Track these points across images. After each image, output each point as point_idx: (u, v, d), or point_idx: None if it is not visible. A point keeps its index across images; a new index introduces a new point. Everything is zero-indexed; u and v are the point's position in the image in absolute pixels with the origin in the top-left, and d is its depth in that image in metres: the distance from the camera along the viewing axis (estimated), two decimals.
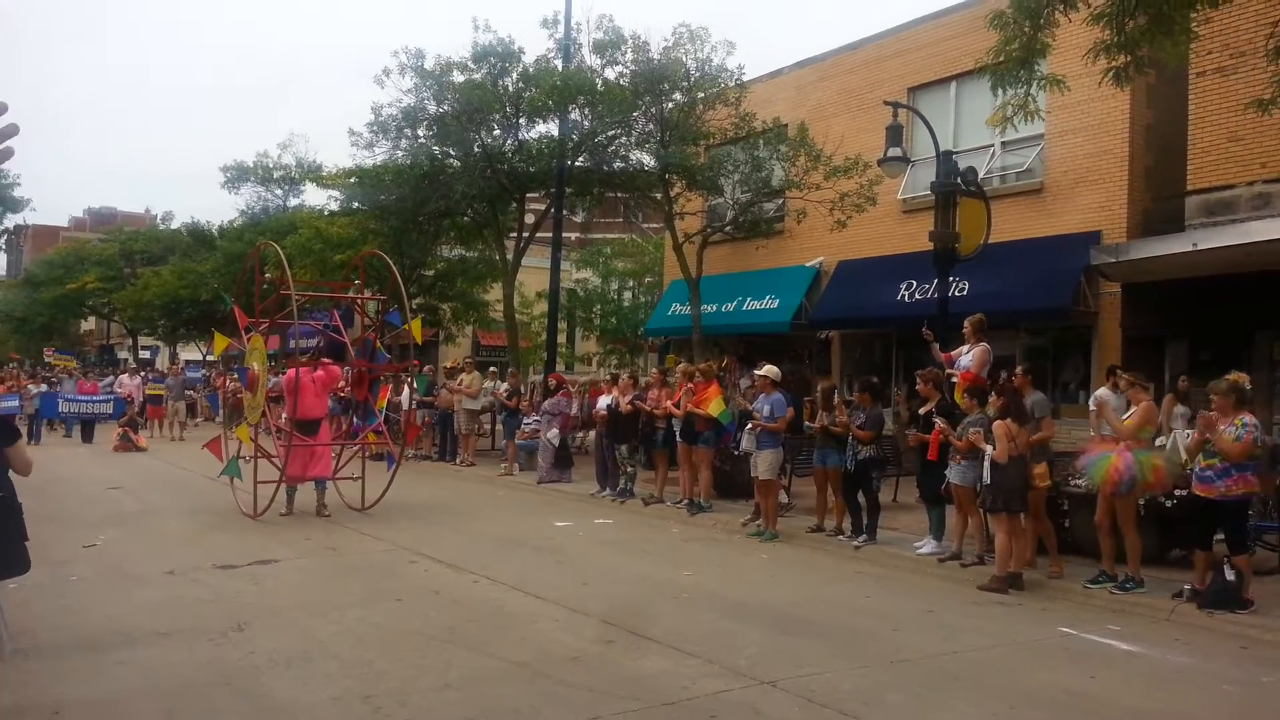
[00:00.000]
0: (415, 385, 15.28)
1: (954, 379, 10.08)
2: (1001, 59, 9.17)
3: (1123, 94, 12.47)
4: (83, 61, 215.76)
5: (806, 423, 10.88)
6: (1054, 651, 6.53)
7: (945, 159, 11.94)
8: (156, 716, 4.97)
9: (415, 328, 12.94)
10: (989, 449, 8.22)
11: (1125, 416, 8.33)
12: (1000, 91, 9.48)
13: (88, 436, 22.91)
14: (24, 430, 14.06)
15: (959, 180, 11.71)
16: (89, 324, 55.38)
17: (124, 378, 26.73)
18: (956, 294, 13.45)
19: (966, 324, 10.41)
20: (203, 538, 10.25)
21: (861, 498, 10.18)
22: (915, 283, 15.56)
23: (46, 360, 37.78)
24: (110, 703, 5.15)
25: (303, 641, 6.32)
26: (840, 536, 10.30)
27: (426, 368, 20.63)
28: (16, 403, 19.71)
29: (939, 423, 9.02)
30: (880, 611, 7.49)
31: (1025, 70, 9.17)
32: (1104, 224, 14.09)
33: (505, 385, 17.12)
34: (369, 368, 13.20)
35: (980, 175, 12.94)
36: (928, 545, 9.49)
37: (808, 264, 18.07)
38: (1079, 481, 8.79)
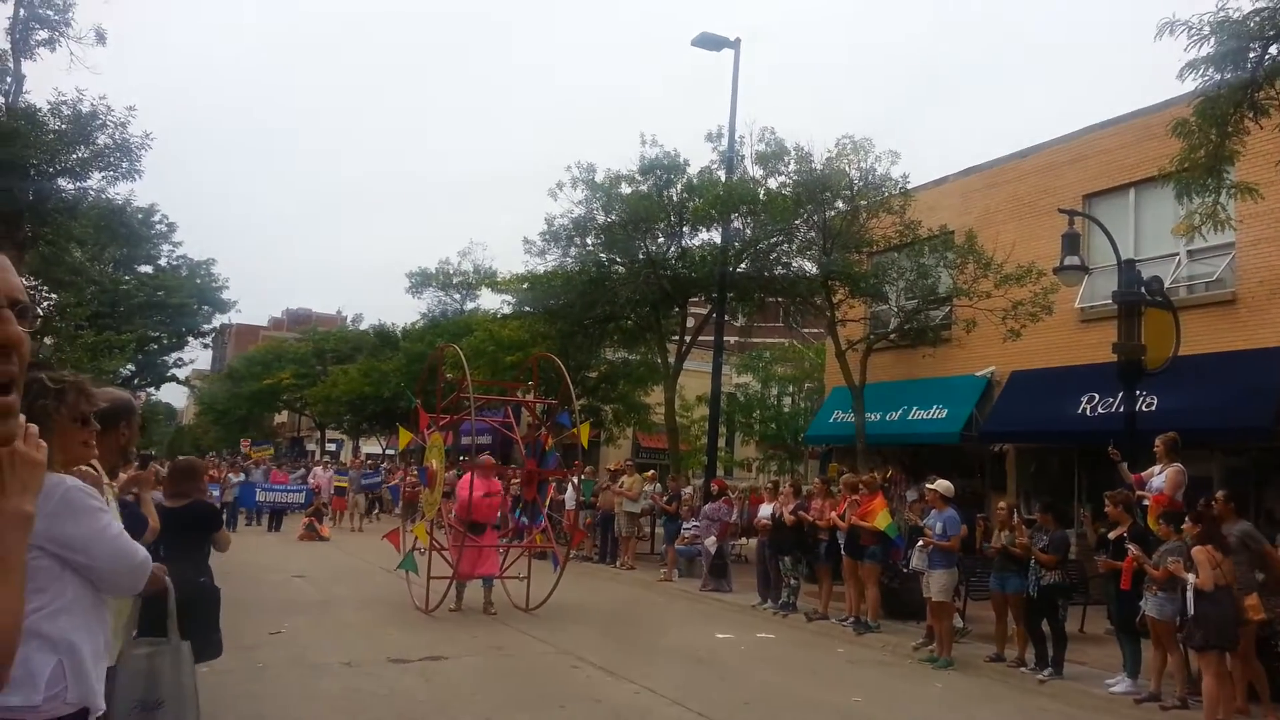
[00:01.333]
0: (581, 488, 15.56)
1: (1145, 502, 9.44)
2: (1186, 166, 8.80)
3: None
4: (283, 170, 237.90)
5: (985, 543, 10.34)
6: None
7: (1128, 267, 11.42)
8: None
9: (584, 432, 13.25)
10: (1191, 578, 7.58)
11: None
12: (1186, 200, 9.07)
13: (276, 525, 24.38)
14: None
15: (1143, 289, 11.15)
16: (282, 417, 59.43)
17: (317, 470, 28.40)
18: (1144, 409, 12.66)
19: (1158, 443, 9.77)
20: (378, 630, 10.64)
21: (1046, 627, 9.49)
22: (1097, 396, 14.74)
23: (242, 451, 40.81)
24: None
25: None
26: (1023, 668, 9.60)
27: (588, 469, 20.99)
28: (218, 492, 21.25)
29: (1132, 549, 8.40)
30: None
31: (1213, 178, 8.78)
32: None
33: (667, 490, 17.16)
34: (539, 471, 13.56)
35: (1166, 284, 12.28)
36: (1122, 683, 8.72)
37: (978, 373, 17.46)
38: None
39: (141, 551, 2.84)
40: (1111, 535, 9.04)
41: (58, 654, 2.57)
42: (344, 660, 8.86)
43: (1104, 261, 13.99)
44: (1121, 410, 11.49)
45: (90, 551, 2.62)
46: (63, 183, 17.88)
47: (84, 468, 3.18)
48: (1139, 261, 13.22)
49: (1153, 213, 15.14)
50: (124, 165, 17.99)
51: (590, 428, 25.19)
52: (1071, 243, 12.14)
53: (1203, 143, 8.57)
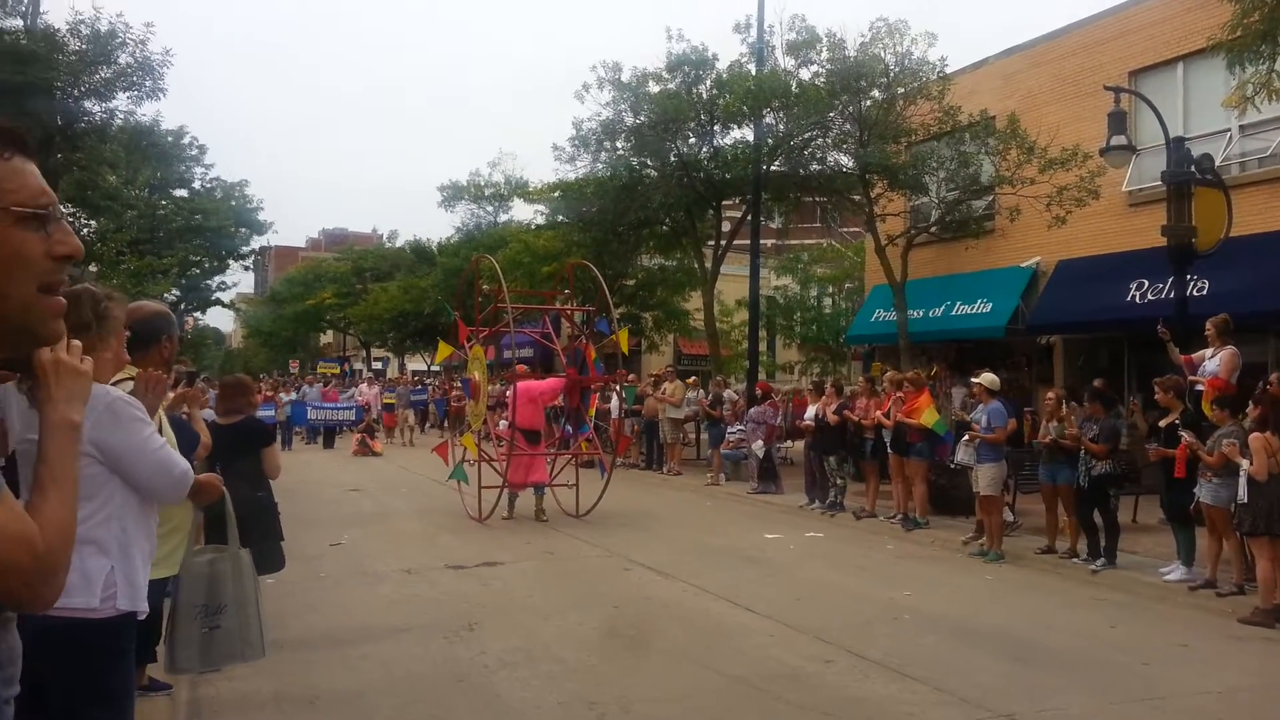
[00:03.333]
0: (624, 395, 15.63)
1: (1199, 387, 9.25)
2: (1239, 33, 8.32)
3: None
4: (314, 90, 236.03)
5: (1034, 440, 10.24)
6: None
7: (1177, 146, 10.96)
8: (397, 711, 5.30)
9: (623, 338, 13.24)
10: (1245, 464, 7.46)
11: None
12: (1238, 69, 8.61)
13: (329, 442, 24.93)
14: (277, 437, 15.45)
15: (1193, 169, 10.73)
16: (327, 337, 60.22)
17: (363, 387, 28.87)
18: (1195, 293, 12.27)
19: (1209, 325, 9.53)
20: (434, 538, 10.93)
21: (1098, 517, 9.45)
22: (1146, 282, 14.37)
23: (292, 371, 41.45)
24: (357, 694, 5.54)
25: (527, 642, 6.58)
26: (1075, 559, 9.61)
27: (631, 377, 21.06)
28: (273, 411, 21.71)
29: (1185, 436, 8.27)
30: (1126, 643, 6.93)
31: (1267, 44, 8.29)
32: None
33: (710, 394, 17.19)
34: (581, 378, 13.63)
35: (1217, 162, 11.80)
36: (1176, 571, 8.69)
37: (1023, 264, 17.07)
38: None
39: (182, 464, 2.89)
40: (1163, 423, 8.90)
41: (110, 559, 2.66)
42: (403, 568, 9.12)
43: (1152, 141, 13.48)
44: (1172, 295, 11.22)
45: (133, 460, 2.70)
46: (89, 105, 17.83)
47: (130, 378, 3.23)
48: (1189, 139, 12.71)
49: (1203, 87, 14.46)
50: (147, 84, 17.86)
51: (630, 335, 25.30)
52: (1118, 122, 11.68)
53: (1256, 6, 8.08)
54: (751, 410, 15.53)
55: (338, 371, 39.99)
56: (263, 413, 19.34)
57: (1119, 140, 11.62)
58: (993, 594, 8.60)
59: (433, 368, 40.39)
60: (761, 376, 21.59)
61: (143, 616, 2.81)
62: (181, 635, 3.87)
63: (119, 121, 19.82)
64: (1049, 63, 17.22)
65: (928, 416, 11.34)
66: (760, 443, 15.05)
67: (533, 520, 12.16)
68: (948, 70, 16.99)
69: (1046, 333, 16.62)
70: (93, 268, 19.57)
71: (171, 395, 4.57)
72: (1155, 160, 13.06)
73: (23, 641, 2.45)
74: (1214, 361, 9.31)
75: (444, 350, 14.80)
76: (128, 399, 2.79)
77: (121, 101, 18.62)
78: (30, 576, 1.42)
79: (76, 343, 1.70)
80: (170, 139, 30.47)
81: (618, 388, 15.80)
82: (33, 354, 1.59)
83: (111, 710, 2.71)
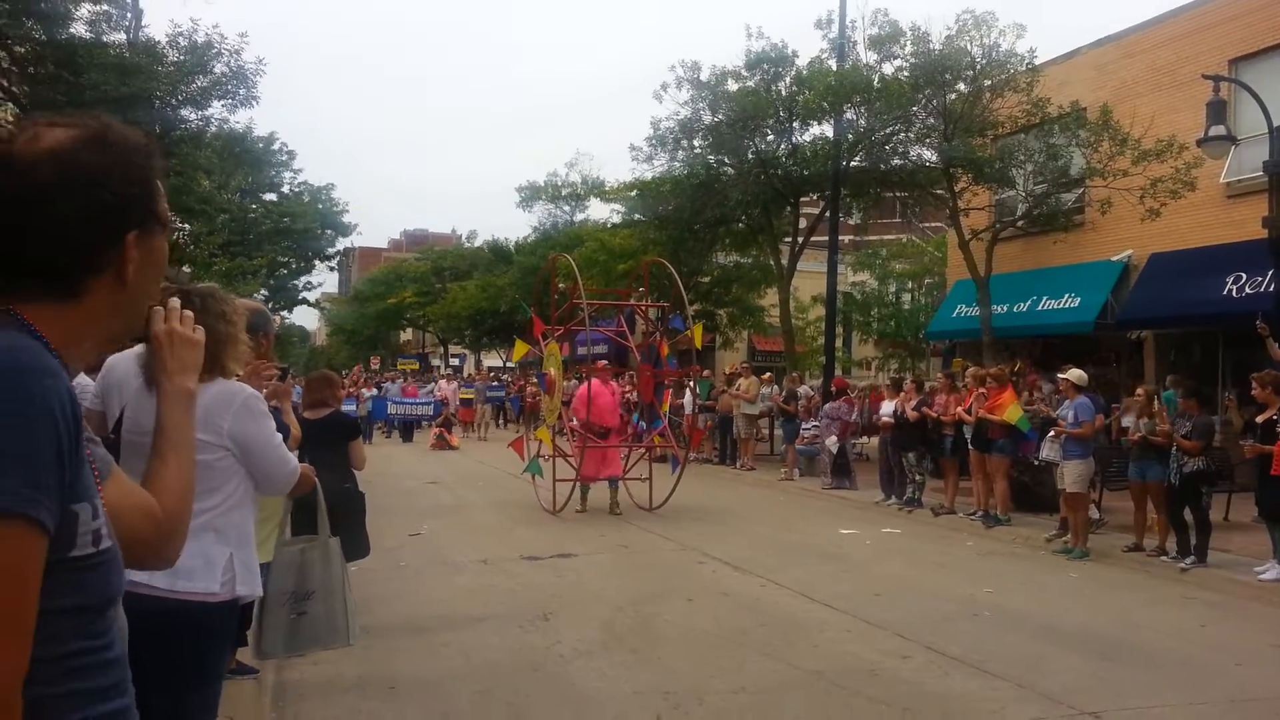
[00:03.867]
0: (698, 390, 15.64)
1: None
2: None
3: None
4: (399, 94, 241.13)
5: (1122, 437, 9.95)
6: None
7: (1279, 135, 10.51)
8: (476, 698, 5.38)
9: (697, 333, 13.25)
10: None
11: None
12: None
13: (408, 436, 25.49)
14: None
15: None
16: (407, 335, 61.48)
17: (441, 383, 29.47)
18: None
19: None
20: (510, 530, 11.09)
21: (1189, 515, 9.12)
22: (1244, 275, 13.82)
23: (372, 367, 42.39)
24: (436, 682, 5.64)
25: (602, 633, 6.63)
26: (1163, 557, 9.31)
27: (705, 372, 21.03)
28: (355, 406, 22.30)
29: None
30: (1217, 642, 6.69)
31: None
32: None
33: (784, 391, 17.08)
34: (655, 373, 13.68)
35: None
36: (1272, 570, 8.34)
37: (1114, 258, 16.55)
38: None
39: (294, 459, 3.09)
40: (1260, 419, 8.55)
41: (229, 547, 2.82)
42: (479, 558, 9.28)
43: (1252, 131, 12.94)
44: (1272, 289, 10.76)
45: (262, 453, 2.89)
46: (185, 113, 18.52)
47: (263, 373, 3.43)
48: None
49: None
50: (241, 92, 18.48)
51: (705, 332, 25.25)
52: (1217, 111, 11.28)
53: None
54: (826, 406, 15.38)
55: (416, 367, 40.80)
56: (345, 407, 19.99)
57: (1218, 130, 11.22)
58: (1077, 592, 8.36)
59: (509, 364, 40.95)
60: (838, 373, 21.35)
61: (249, 601, 2.97)
62: (270, 620, 3.99)
63: (213, 129, 20.55)
64: (1144, 52, 16.69)
65: (1011, 413, 11.08)
66: (835, 438, 14.88)
67: (607, 514, 12.25)
68: (1037, 62, 16.59)
69: (1137, 328, 16.11)
70: (187, 269, 20.32)
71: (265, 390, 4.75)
72: (1256, 150, 12.61)
73: (139, 619, 2.60)
74: None
75: (520, 348, 15.01)
76: (258, 395, 2.96)
77: (216, 109, 19.32)
78: (153, 542, 1.53)
79: (189, 313, 1.80)
80: (261, 145, 31.48)
81: (691, 383, 15.81)
82: (149, 326, 1.70)
83: (207, 691, 2.85)
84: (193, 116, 18.94)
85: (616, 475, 12.52)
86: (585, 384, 12.61)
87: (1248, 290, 13.67)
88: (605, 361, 14.85)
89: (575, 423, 12.66)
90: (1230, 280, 14.07)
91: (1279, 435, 8.02)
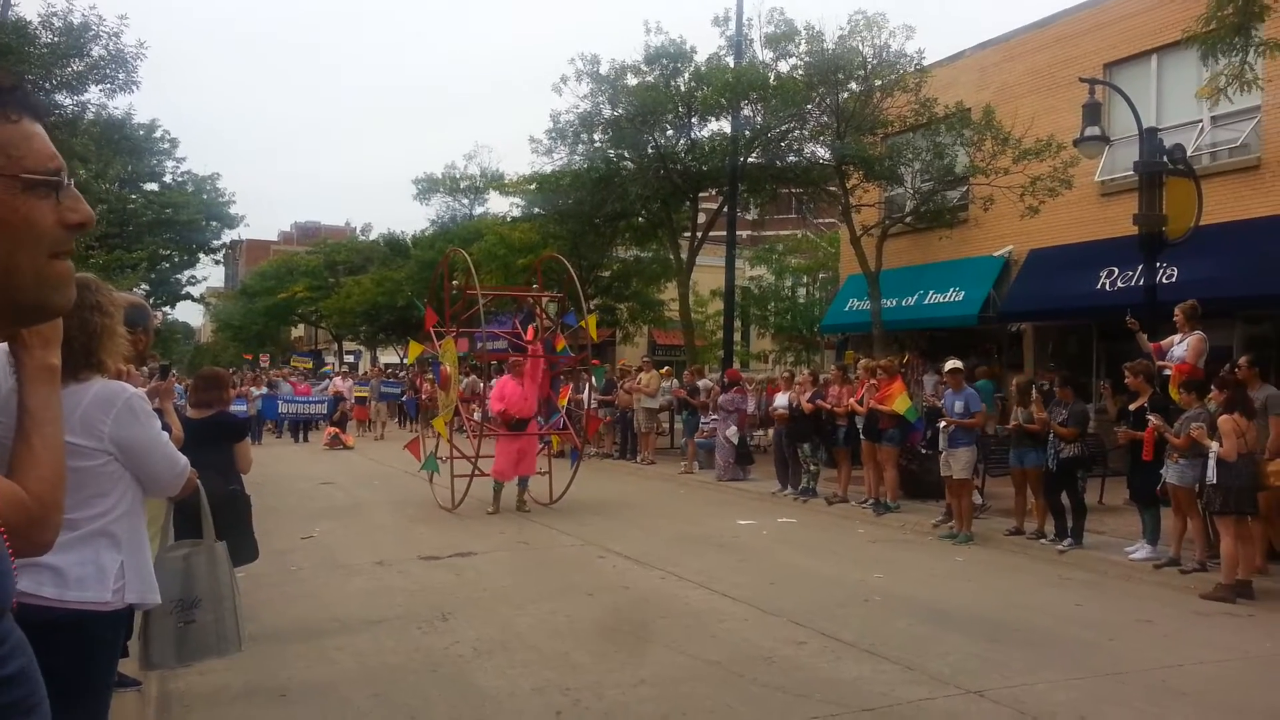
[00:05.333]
0: (595, 381, 15.64)
1: (1166, 372, 9.38)
2: (1213, 25, 8.46)
3: None
4: (287, 82, 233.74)
5: (999, 425, 10.39)
6: None
7: (1150, 136, 11.10)
8: (372, 701, 5.25)
9: (591, 324, 13.26)
10: (1214, 446, 7.58)
11: None
12: (1212, 61, 8.75)
13: (303, 436, 24.75)
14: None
15: (1165, 158, 10.87)
16: (298, 330, 59.74)
17: (336, 380, 28.74)
18: (1164, 281, 12.46)
19: (1178, 311, 9.67)
20: (407, 530, 10.88)
21: (1065, 499, 9.60)
22: (1117, 270, 14.56)
23: (261, 365, 41.02)
24: (330, 686, 5.49)
25: (502, 632, 6.57)
26: (1042, 540, 9.75)
27: (598, 362, 21.05)
28: (245, 406, 21.52)
29: (1153, 419, 8.39)
30: (1092, 620, 7.04)
31: (1240, 36, 8.44)
32: None
33: (685, 383, 17.22)
34: (551, 359, 13.60)
35: (1188, 153, 11.96)
36: (1141, 550, 8.84)
37: (995, 254, 17.23)
38: None
39: (183, 458, 2.97)
40: (1132, 406, 9.03)
41: (122, 554, 2.68)
42: (375, 560, 9.08)
43: (1125, 132, 13.64)
44: (1142, 283, 11.35)
45: (148, 455, 2.77)
46: (60, 98, 17.54)
47: (131, 371, 3.24)
48: (1162, 130, 12.85)
49: (1176, 78, 14.70)
50: (120, 77, 17.61)
51: (605, 327, 25.24)
52: (1092, 113, 11.81)
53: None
54: (721, 398, 15.56)
55: (309, 366, 39.71)
56: (235, 407, 19.28)
57: (1093, 131, 11.75)
58: (963, 575, 8.69)
59: (405, 361, 40.22)
60: (736, 366, 21.66)
61: (145, 609, 2.83)
62: (156, 630, 3.81)
63: (90, 115, 19.54)
64: (1024, 55, 17.38)
65: (900, 403, 11.43)
66: (734, 429, 15.08)
67: (512, 511, 12.11)
68: (925, 63, 17.11)
69: (1018, 320, 16.80)
70: None
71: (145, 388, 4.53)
72: (1128, 150, 13.22)
73: (26, 630, 2.44)
74: (1182, 346, 9.44)
75: (415, 349, 14.82)
76: (142, 395, 2.81)
77: (94, 95, 18.38)
78: (24, 530, 1.44)
79: None
80: (142, 132, 30.09)
81: (588, 375, 15.79)
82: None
83: (97, 703, 2.71)
84: (68, 102, 17.96)
85: (531, 473, 12.30)
86: (502, 378, 12.44)
87: (1119, 284, 14.40)
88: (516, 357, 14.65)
89: (489, 415, 12.48)
90: (1104, 274, 14.79)
91: (1149, 422, 8.48)
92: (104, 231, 27.43)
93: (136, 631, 3.81)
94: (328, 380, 29.37)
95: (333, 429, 22.80)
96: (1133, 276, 13.69)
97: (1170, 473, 8.26)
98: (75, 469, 2.65)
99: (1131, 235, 11.22)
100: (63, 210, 1.31)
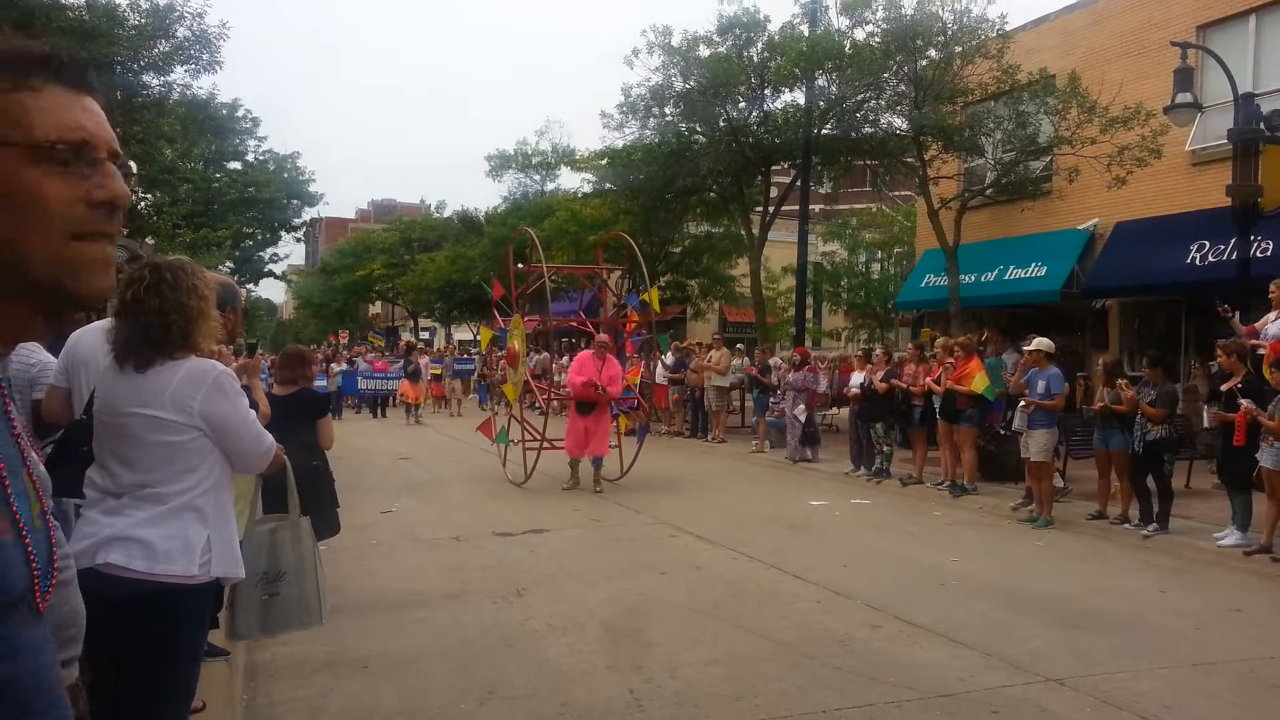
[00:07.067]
0: (661, 350, 15.69)
1: (1261, 352, 9.00)
2: None
3: None
4: (365, 62, 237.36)
5: (1084, 405, 10.09)
6: None
7: (1246, 102, 10.62)
8: (448, 674, 5.37)
9: (654, 296, 13.27)
10: None
11: None
12: None
13: (381, 412, 25.32)
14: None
15: (1262, 125, 10.37)
16: (375, 308, 60.87)
17: (414, 356, 29.24)
18: (1259, 255, 11.92)
19: (1273, 287, 9.29)
20: (482, 506, 11.07)
21: (1151, 483, 9.28)
22: (1208, 243, 13.97)
23: (342, 342, 42.02)
24: (409, 659, 5.62)
25: (575, 609, 6.65)
26: (1126, 525, 9.47)
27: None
28: (325, 382, 22.10)
29: (1245, 403, 8.06)
30: (1179, 608, 6.83)
31: None
32: None
33: (755, 362, 17.13)
34: (619, 326, 13.67)
35: None
36: (1231, 536, 8.53)
37: (1080, 227, 16.67)
38: None
39: (269, 436, 3.04)
40: (1224, 387, 8.69)
41: (208, 528, 2.78)
42: (452, 535, 9.26)
43: (1219, 99, 13.03)
44: (1234, 257, 10.90)
45: (236, 432, 2.86)
46: (148, 79, 18.07)
47: (223, 350, 3.36)
48: (1259, 96, 12.25)
49: (1275, 40, 13.98)
50: (204, 57, 18.02)
51: (676, 304, 25.22)
52: (1184, 78, 11.34)
53: None
54: (790, 376, 15.39)
55: (382, 343, 40.54)
56: (316, 383, 19.85)
57: (1184, 97, 11.29)
58: (1043, 560, 8.50)
59: (478, 338, 40.68)
60: (808, 344, 21.44)
61: (237, 581, 2.94)
62: (242, 602, 3.95)
63: (176, 95, 20.10)
64: (1112, 18, 16.71)
65: (979, 383, 11.18)
66: (803, 407, 14.91)
67: (581, 487, 12.23)
68: (1007, 28, 16.56)
69: (1103, 296, 16.27)
70: (149, 241, 19.96)
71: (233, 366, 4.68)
72: (1221, 118, 12.69)
73: (117, 604, 2.56)
74: (1277, 324, 9.05)
75: (485, 336, 15.07)
76: (230, 373, 2.91)
77: (179, 75, 18.86)
78: None
79: None
80: (225, 112, 30.85)
81: (658, 350, 15.80)
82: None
83: (184, 673, 2.82)
84: (155, 82, 18.49)
85: (603, 453, 12.33)
86: (583, 352, 12.53)
87: (1210, 258, 13.83)
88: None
89: (566, 389, 12.65)
90: (1194, 248, 14.22)
91: (1241, 405, 8.15)
92: (190, 210, 28.34)
93: (225, 603, 3.95)
94: (404, 359, 29.99)
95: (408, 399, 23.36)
96: (1225, 250, 13.14)
97: (1265, 457, 7.94)
98: (165, 443, 2.76)
99: (1224, 207, 10.80)
100: (89, 186, 1.16)
